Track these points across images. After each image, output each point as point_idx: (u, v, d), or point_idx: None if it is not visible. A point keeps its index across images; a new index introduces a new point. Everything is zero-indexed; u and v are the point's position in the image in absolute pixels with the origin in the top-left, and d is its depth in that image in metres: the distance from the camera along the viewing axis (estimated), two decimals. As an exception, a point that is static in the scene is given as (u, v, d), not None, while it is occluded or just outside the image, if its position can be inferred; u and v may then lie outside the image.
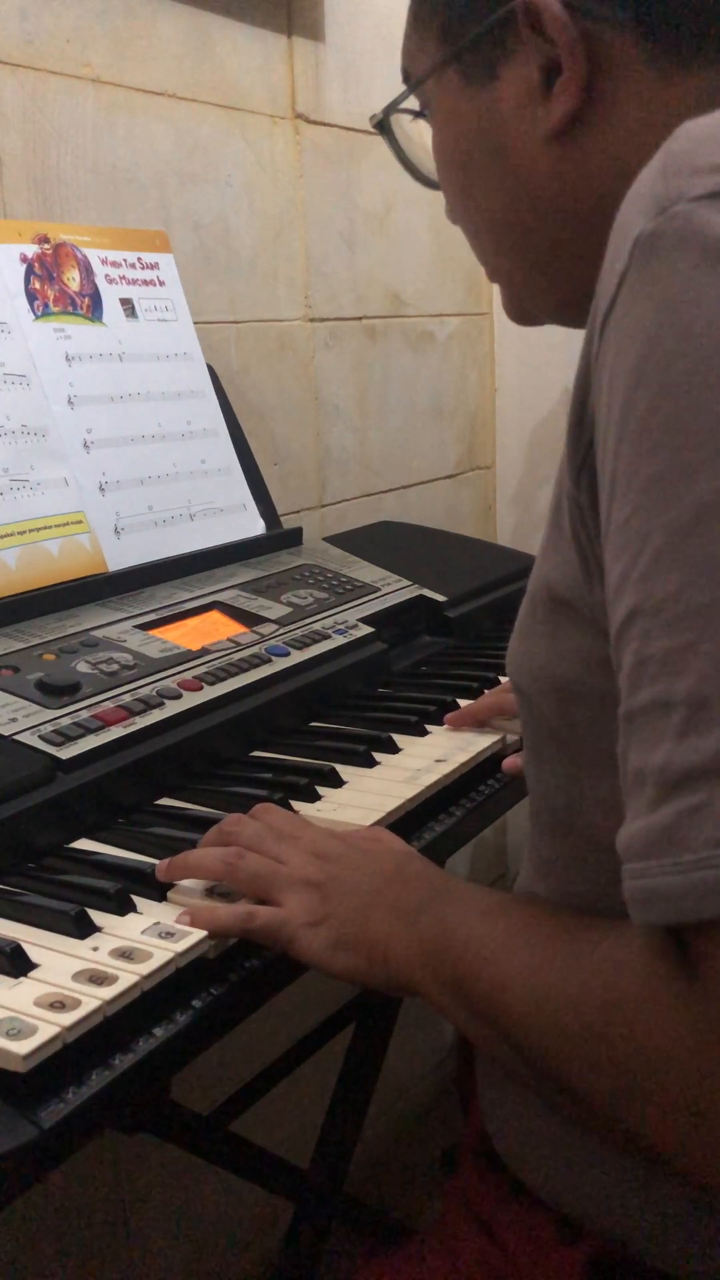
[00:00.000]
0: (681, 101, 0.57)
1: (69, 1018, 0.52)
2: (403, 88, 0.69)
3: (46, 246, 1.05)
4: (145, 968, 0.57)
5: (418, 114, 0.70)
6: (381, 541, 1.28)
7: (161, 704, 0.82)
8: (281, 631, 0.98)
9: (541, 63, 0.59)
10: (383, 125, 0.72)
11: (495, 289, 0.76)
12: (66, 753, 0.74)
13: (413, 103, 0.69)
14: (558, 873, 0.61)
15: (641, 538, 0.44)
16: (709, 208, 0.43)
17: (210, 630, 0.96)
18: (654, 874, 0.42)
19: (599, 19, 0.57)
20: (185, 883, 0.66)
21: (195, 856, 0.66)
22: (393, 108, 0.71)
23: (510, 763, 0.86)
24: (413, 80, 0.67)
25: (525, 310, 0.70)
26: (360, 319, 1.57)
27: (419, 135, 0.72)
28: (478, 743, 0.88)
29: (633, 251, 0.45)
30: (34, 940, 0.60)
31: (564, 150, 0.60)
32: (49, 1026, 0.52)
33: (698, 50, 0.56)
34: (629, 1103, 0.45)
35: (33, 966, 0.57)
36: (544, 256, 0.65)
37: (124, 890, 0.64)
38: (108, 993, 0.55)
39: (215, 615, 1.00)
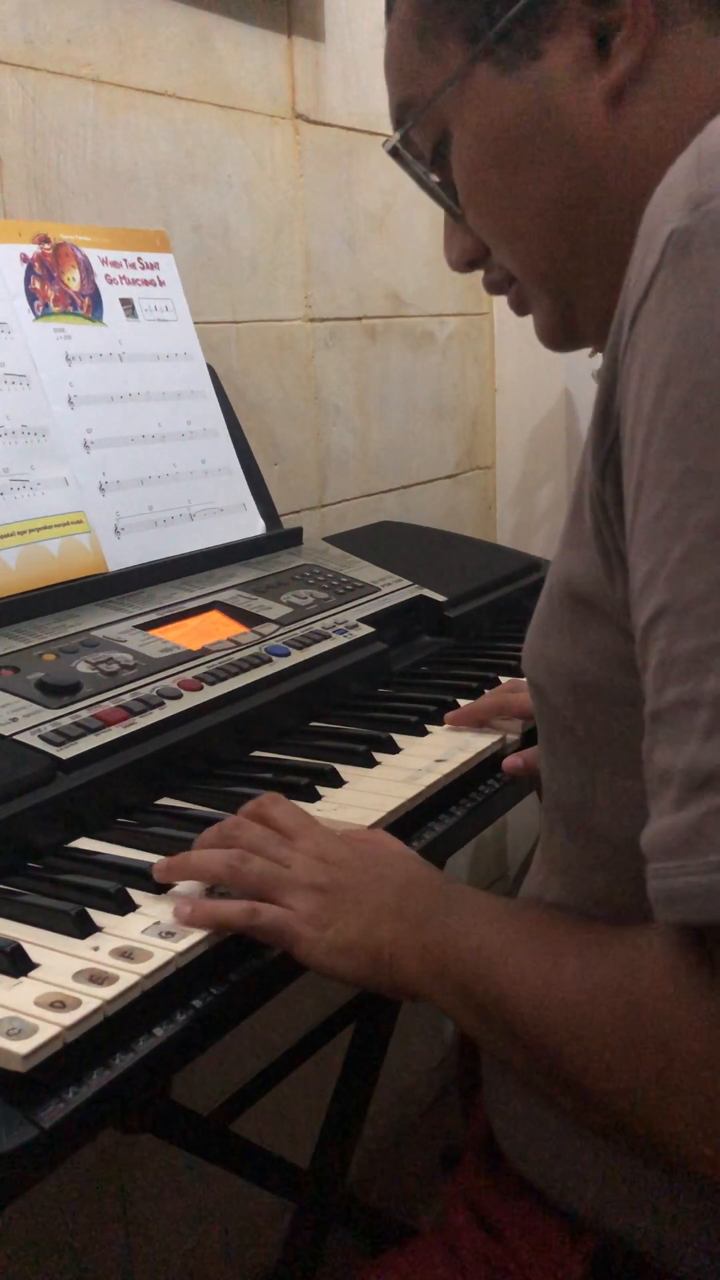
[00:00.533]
0: None
1: (69, 1017, 0.52)
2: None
3: (46, 246, 1.05)
4: (145, 967, 0.57)
5: (413, 155, 0.67)
6: (381, 541, 1.28)
7: (162, 704, 0.82)
8: (281, 631, 0.98)
9: (592, 28, 0.58)
10: (397, 152, 0.69)
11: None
12: (66, 753, 0.73)
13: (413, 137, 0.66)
14: (573, 871, 0.61)
15: (671, 535, 0.44)
16: None
17: (210, 630, 0.96)
18: (679, 874, 0.42)
19: None
20: (182, 885, 0.66)
21: (197, 858, 0.65)
22: (405, 132, 0.67)
23: (510, 763, 0.86)
24: (422, 101, 0.64)
25: (573, 328, 0.66)
26: (360, 319, 1.57)
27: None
28: (478, 743, 0.88)
29: (665, 247, 0.45)
30: (34, 940, 0.60)
31: (619, 115, 0.59)
32: (49, 1026, 0.52)
33: None
34: (653, 1104, 0.45)
35: (33, 966, 0.57)
36: (593, 247, 0.62)
37: (124, 890, 0.64)
38: (108, 992, 0.55)
39: (215, 615, 1.00)
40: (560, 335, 0.67)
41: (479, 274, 0.70)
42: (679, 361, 0.44)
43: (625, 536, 0.48)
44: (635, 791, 0.47)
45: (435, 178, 0.67)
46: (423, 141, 0.66)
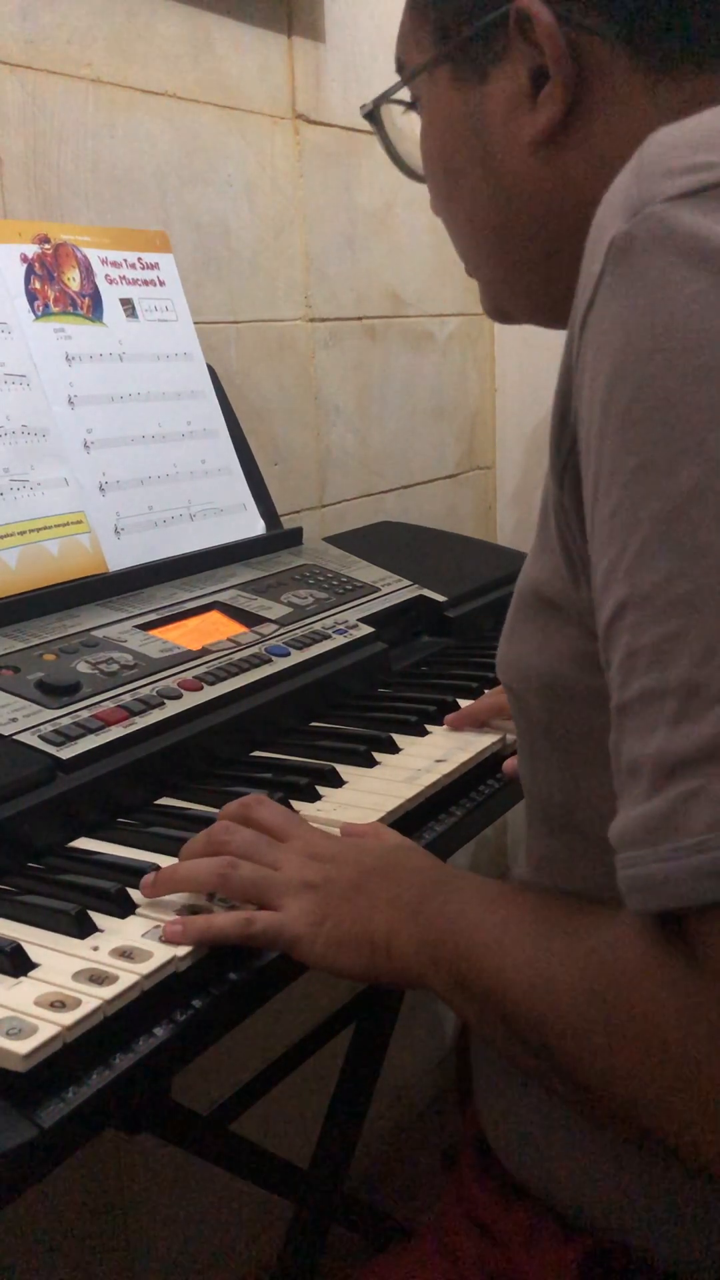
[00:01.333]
0: (669, 111, 0.57)
1: (69, 1017, 0.52)
2: (397, 79, 0.69)
3: (47, 246, 1.05)
4: (145, 967, 0.57)
5: (409, 105, 0.70)
6: (381, 541, 1.28)
7: (161, 704, 0.82)
8: (281, 631, 0.98)
9: (530, 69, 0.59)
10: (373, 115, 0.73)
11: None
12: (66, 753, 0.74)
13: (405, 93, 0.69)
14: (556, 870, 0.61)
15: (627, 530, 0.44)
16: (682, 207, 0.44)
17: (210, 630, 0.96)
18: (650, 861, 0.42)
19: (587, 30, 0.57)
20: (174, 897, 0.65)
21: (186, 869, 0.65)
22: (385, 98, 0.71)
23: (510, 764, 0.87)
24: (406, 71, 0.67)
25: (502, 309, 0.71)
26: (360, 319, 1.57)
27: (409, 128, 0.72)
28: (478, 743, 0.89)
29: (608, 253, 0.46)
30: (34, 940, 0.60)
31: (547, 157, 0.61)
32: (49, 1026, 0.52)
33: (683, 61, 0.57)
34: (629, 1086, 0.45)
35: (33, 966, 0.57)
36: (523, 260, 0.65)
37: (124, 890, 0.64)
38: (108, 992, 0.55)
39: (215, 615, 1.00)
40: (491, 311, 0.72)
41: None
42: (625, 362, 0.45)
43: (586, 539, 0.49)
44: (614, 787, 0.47)
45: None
46: (417, 104, 0.69)
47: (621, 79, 0.58)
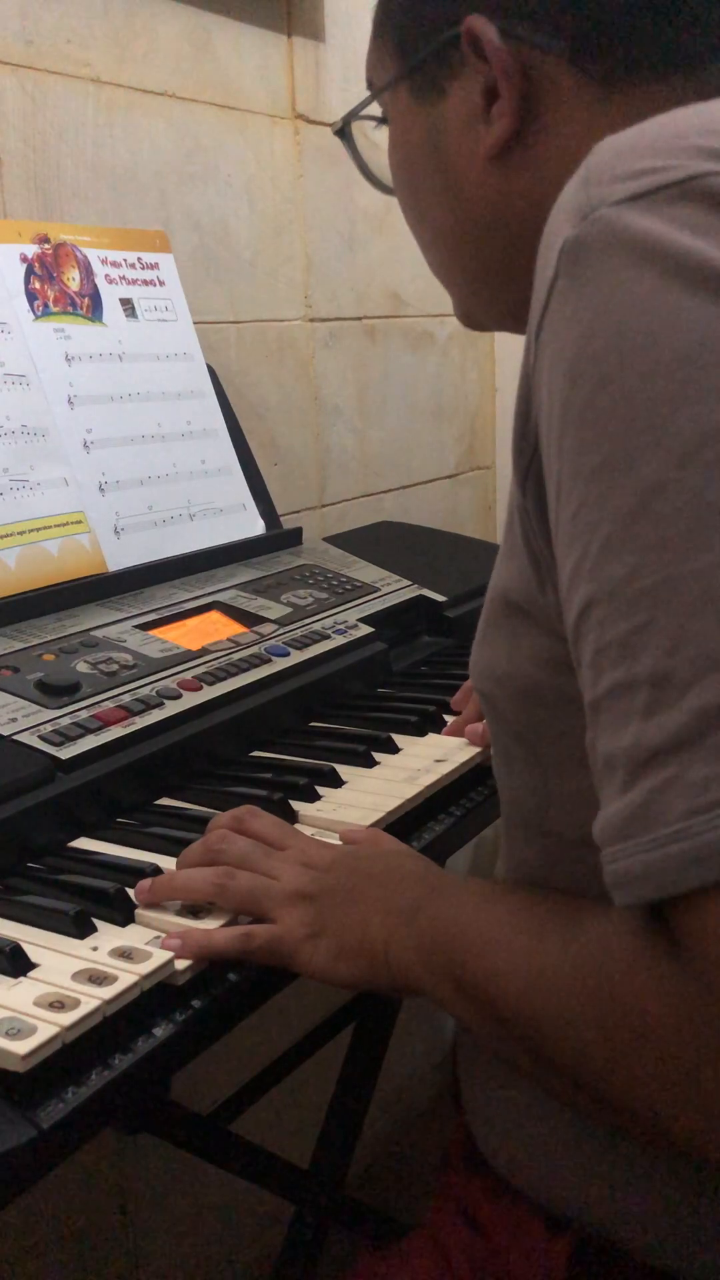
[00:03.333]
0: (618, 124, 0.58)
1: (69, 1017, 0.52)
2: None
3: (46, 246, 1.05)
4: (145, 967, 0.57)
5: (380, 121, 0.72)
6: (381, 541, 1.28)
7: (161, 704, 0.82)
8: (281, 631, 0.98)
9: (484, 85, 0.61)
10: (343, 132, 0.75)
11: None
12: (66, 753, 0.74)
13: (375, 108, 0.72)
14: (534, 874, 0.61)
15: (590, 529, 0.45)
16: (629, 210, 0.45)
17: (210, 630, 0.96)
18: (631, 854, 0.42)
19: (534, 46, 0.59)
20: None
21: (182, 878, 0.65)
22: (354, 115, 0.74)
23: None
24: (373, 90, 0.70)
25: (471, 316, 0.73)
26: (360, 319, 1.57)
27: (380, 142, 0.74)
28: (478, 741, 0.88)
29: (560, 258, 0.46)
30: (34, 940, 0.60)
31: (502, 170, 0.62)
32: (48, 1026, 0.52)
33: (630, 75, 0.59)
34: (623, 1081, 0.46)
35: (32, 966, 0.57)
36: (483, 270, 0.67)
37: (123, 890, 0.64)
38: (107, 992, 0.55)
39: (215, 615, 1.00)
40: (463, 319, 0.74)
41: None
42: (580, 364, 0.45)
43: (551, 543, 0.49)
44: (588, 790, 0.47)
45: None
46: (381, 114, 0.71)
47: (571, 94, 0.59)
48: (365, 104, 0.71)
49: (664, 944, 0.44)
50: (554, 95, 0.60)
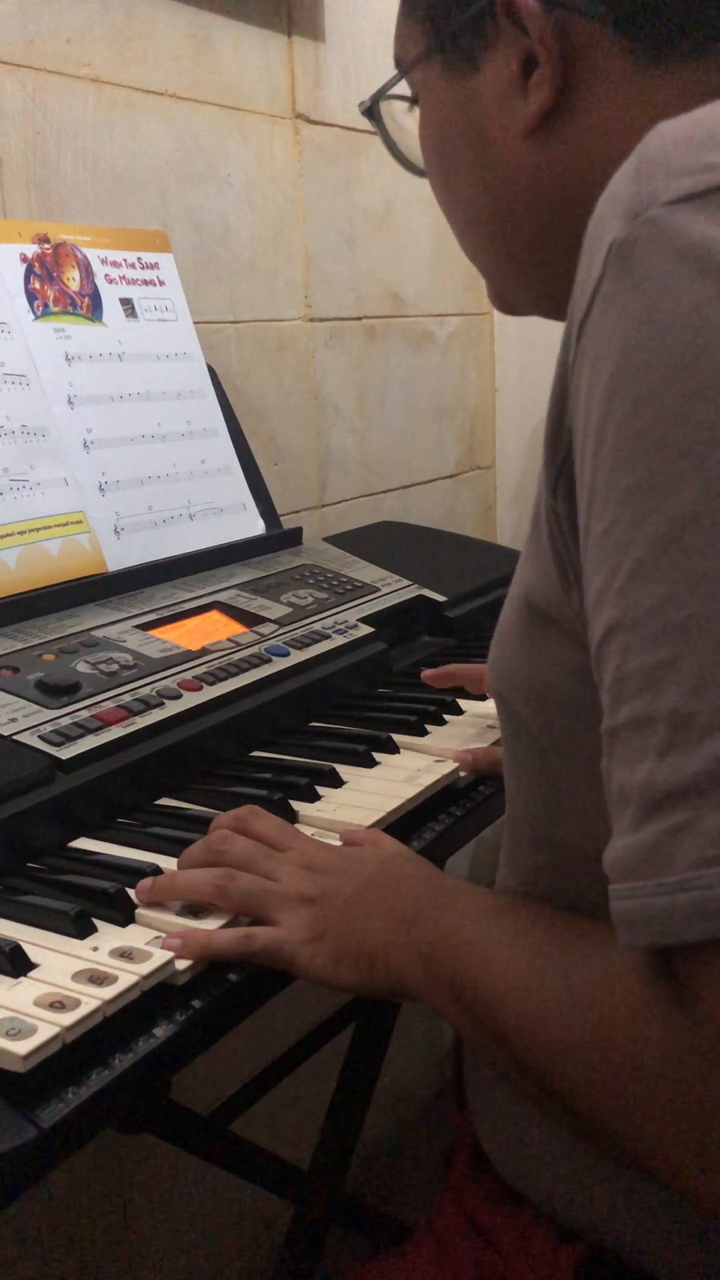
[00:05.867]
0: (662, 99, 0.56)
1: (69, 1018, 0.52)
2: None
3: (46, 246, 1.05)
4: (145, 968, 0.57)
5: (410, 100, 0.69)
6: (381, 541, 1.28)
7: (161, 704, 0.82)
8: (281, 631, 0.98)
9: (520, 55, 0.58)
10: (371, 112, 0.72)
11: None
12: (66, 753, 0.73)
13: (404, 88, 0.69)
14: (542, 882, 0.61)
15: (620, 550, 0.43)
16: (684, 211, 0.42)
17: (210, 630, 0.96)
18: (638, 895, 0.42)
19: (573, 10, 0.56)
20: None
21: (183, 879, 0.65)
22: (382, 94, 0.70)
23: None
24: (401, 67, 0.67)
25: (507, 300, 0.70)
26: (360, 319, 1.57)
27: (409, 124, 0.71)
28: (478, 743, 0.88)
29: (607, 259, 0.44)
30: (34, 940, 0.60)
31: (540, 144, 0.59)
32: (49, 1026, 0.52)
33: (675, 46, 0.55)
34: (620, 1119, 0.45)
35: (33, 966, 0.57)
36: (521, 249, 0.64)
37: (124, 890, 0.64)
38: (107, 993, 0.55)
39: (215, 615, 1.00)
40: (498, 304, 0.71)
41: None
42: (622, 376, 0.43)
43: (580, 550, 0.48)
44: (600, 802, 0.47)
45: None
46: (415, 98, 0.68)
47: (612, 64, 0.56)
48: (394, 81, 0.68)
49: (668, 989, 0.43)
50: (594, 65, 0.56)
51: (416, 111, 0.69)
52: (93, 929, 0.61)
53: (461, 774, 0.84)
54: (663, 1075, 0.43)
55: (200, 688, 0.85)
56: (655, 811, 0.42)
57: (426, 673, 0.98)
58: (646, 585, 0.42)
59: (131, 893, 0.64)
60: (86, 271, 1.09)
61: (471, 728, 0.92)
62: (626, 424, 0.43)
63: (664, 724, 0.42)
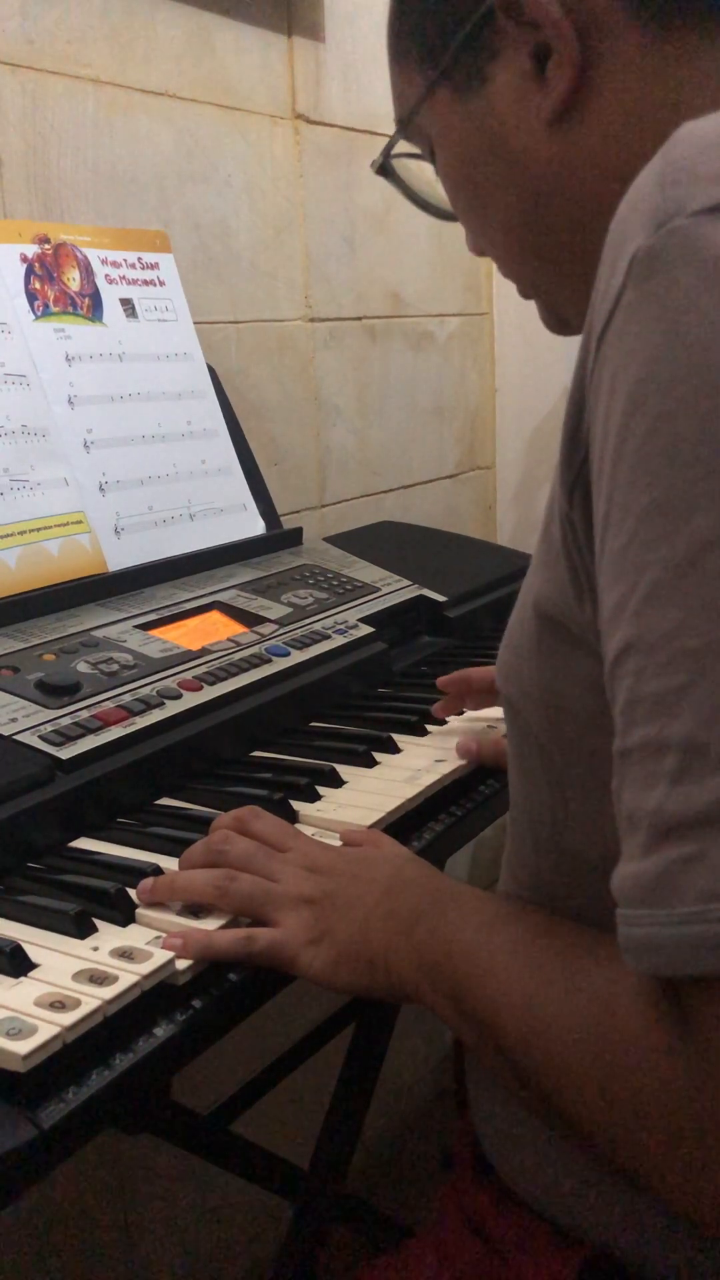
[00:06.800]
0: (685, 77, 0.55)
1: (69, 1017, 0.52)
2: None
3: (46, 246, 1.05)
4: (145, 967, 0.57)
5: (418, 156, 0.70)
6: (381, 541, 1.28)
7: (161, 704, 0.82)
8: (281, 631, 0.98)
9: (531, 51, 0.58)
10: (385, 169, 0.72)
11: (495, 289, 0.76)
12: (66, 753, 0.73)
13: (410, 145, 0.69)
14: (544, 886, 0.60)
15: (637, 570, 0.43)
16: (710, 223, 0.41)
17: (210, 630, 0.96)
18: (646, 923, 0.42)
19: None
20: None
21: (184, 879, 0.65)
22: (390, 148, 0.71)
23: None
24: (405, 119, 0.67)
25: (561, 318, 0.68)
26: (360, 319, 1.57)
27: (423, 169, 0.71)
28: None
29: (630, 268, 0.43)
30: (34, 940, 0.60)
31: (565, 134, 0.59)
32: (49, 1026, 0.52)
33: (696, 22, 0.55)
34: (621, 1140, 0.45)
35: (33, 966, 0.57)
36: (564, 253, 0.63)
37: (124, 890, 0.64)
38: (108, 992, 0.55)
39: (215, 615, 1.00)
40: (552, 324, 0.70)
41: (478, 274, 0.71)
42: (644, 390, 0.42)
43: (595, 560, 0.47)
44: (606, 810, 0.46)
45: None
46: (423, 151, 0.69)
47: (624, 39, 0.56)
48: (398, 134, 0.68)
49: (671, 1014, 0.43)
50: (607, 43, 0.56)
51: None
52: (93, 929, 0.61)
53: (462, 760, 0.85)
54: (664, 1100, 0.42)
55: (200, 688, 0.85)
56: (665, 840, 0.41)
57: (442, 679, 0.96)
58: (663, 609, 0.42)
59: (132, 893, 0.64)
60: (87, 272, 1.09)
61: (472, 728, 0.92)
62: (647, 441, 0.42)
63: (677, 751, 0.41)
